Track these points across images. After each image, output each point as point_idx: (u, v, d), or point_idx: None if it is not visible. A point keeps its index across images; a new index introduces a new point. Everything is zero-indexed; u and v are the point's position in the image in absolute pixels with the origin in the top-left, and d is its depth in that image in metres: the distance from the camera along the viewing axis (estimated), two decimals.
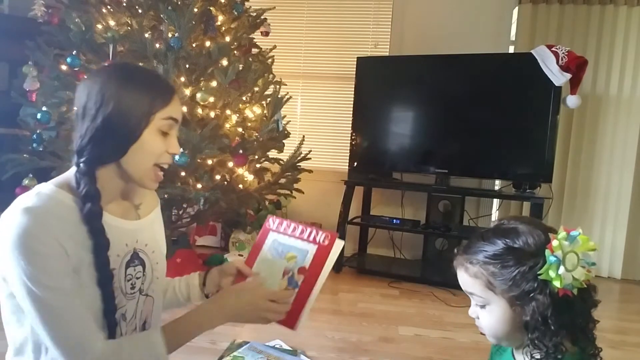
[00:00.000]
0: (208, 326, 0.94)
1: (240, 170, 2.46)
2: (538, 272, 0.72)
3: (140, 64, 2.24)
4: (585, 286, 0.73)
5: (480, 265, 0.78)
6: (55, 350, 0.81)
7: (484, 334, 0.85)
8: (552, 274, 0.70)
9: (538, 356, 0.73)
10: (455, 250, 0.84)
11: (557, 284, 0.70)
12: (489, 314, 0.79)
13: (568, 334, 0.73)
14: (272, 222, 1.08)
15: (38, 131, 2.27)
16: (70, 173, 0.89)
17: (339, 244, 1.00)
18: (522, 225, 0.78)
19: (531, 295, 0.73)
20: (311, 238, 1.02)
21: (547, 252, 0.71)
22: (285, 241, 1.05)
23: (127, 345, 0.87)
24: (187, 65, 2.34)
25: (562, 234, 0.72)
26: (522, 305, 0.74)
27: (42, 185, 0.87)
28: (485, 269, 0.77)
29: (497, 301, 0.77)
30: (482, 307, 0.80)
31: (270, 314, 0.97)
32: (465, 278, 0.81)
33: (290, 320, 0.99)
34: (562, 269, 0.70)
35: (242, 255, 2.99)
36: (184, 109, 2.30)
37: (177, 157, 2.19)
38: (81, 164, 0.86)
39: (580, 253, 0.71)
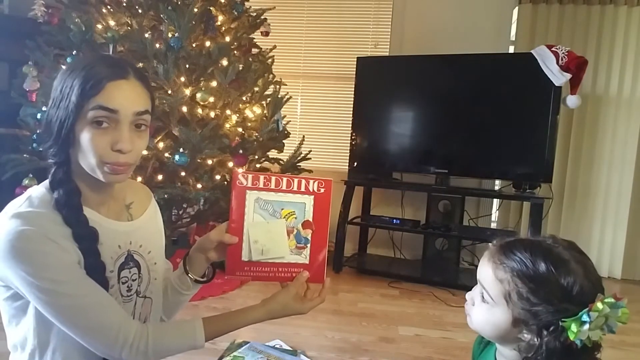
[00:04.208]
0: (246, 325, 0.95)
1: (240, 170, 2.46)
2: (563, 319, 0.68)
3: (140, 64, 2.25)
4: (590, 345, 0.69)
5: (511, 275, 0.73)
6: (87, 341, 0.79)
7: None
8: (574, 328, 0.67)
9: None
10: (494, 241, 0.79)
11: (571, 335, 0.67)
12: (487, 313, 0.77)
13: None
14: (243, 179, 0.93)
15: (38, 131, 2.28)
16: None
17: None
18: (576, 264, 0.71)
19: (543, 332, 0.69)
20: (303, 188, 0.95)
21: (585, 310, 0.67)
22: (272, 198, 0.93)
23: (168, 329, 0.88)
24: (187, 65, 2.34)
25: (609, 299, 0.67)
26: (526, 330, 0.72)
27: (33, 188, 0.85)
28: (514, 281, 0.72)
29: (504, 311, 0.74)
30: (484, 300, 0.77)
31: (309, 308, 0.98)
32: (489, 274, 0.76)
33: (318, 277, 0.98)
34: (585, 327, 0.66)
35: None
36: (184, 108, 2.31)
37: (177, 157, 2.20)
38: (48, 160, 0.84)
39: (610, 320, 0.68)
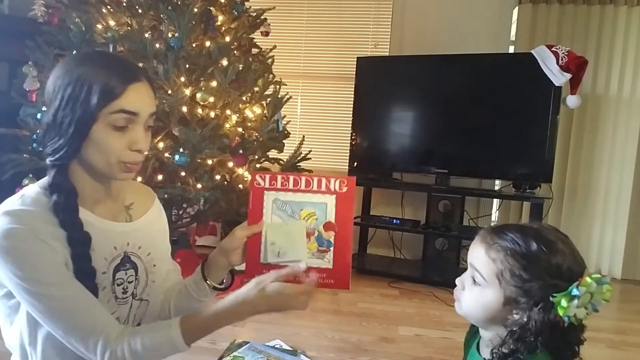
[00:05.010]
0: (232, 323, 0.87)
1: (240, 170, 2.46)
2: (553, 294, 0.71)
3: (140, 64, 2.25)
4: (576, 324, 0.72)
5: (504, 254, 0.76)
6: (71, 342, 0.79)
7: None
8: (564, 303, 0.70)
9: (505, 350, 0.74)
10: (485, 227, 0.82)
11: (560, 312, 0.70)
12: (478, 295, 0.79)
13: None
14: (260, 179, 0.90)
15: (38, 131, 2.27)
16: None
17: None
18: (563, 245, 0.75)
19: (533, 309, 0.72)
20: (323, 188, 0.89)
21: (575, 285, 0.70)
22: (291, 198, 0.90)
23: (147, 332, 0.83)
24: (187, 65, 2.34)
25: (595, 275, 0.71)
26: (516, 309, 0.75)
27: (27, 187, 0.85)
28: (507, 259, 0.75)
29: (496, 291, 0.76)
30: (475, 283, 0.79)
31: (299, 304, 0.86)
32: (481, 255, 0.79)
33: (343, 281, 0.90)
34: (574, 302, 0.70)
35: None
36: (184, 108, 2.31)
37: (177, 157, 2.20)
38: (47, 161, 0.83)
39: (595, 297, 0.71)
